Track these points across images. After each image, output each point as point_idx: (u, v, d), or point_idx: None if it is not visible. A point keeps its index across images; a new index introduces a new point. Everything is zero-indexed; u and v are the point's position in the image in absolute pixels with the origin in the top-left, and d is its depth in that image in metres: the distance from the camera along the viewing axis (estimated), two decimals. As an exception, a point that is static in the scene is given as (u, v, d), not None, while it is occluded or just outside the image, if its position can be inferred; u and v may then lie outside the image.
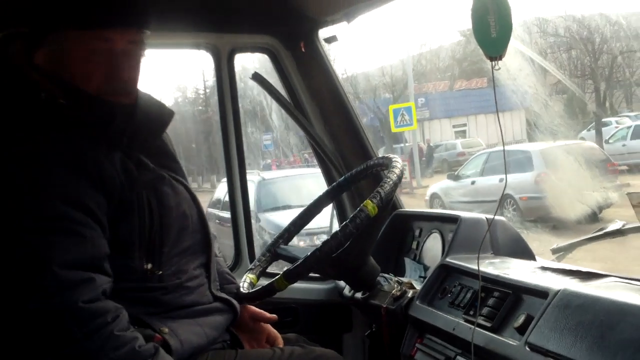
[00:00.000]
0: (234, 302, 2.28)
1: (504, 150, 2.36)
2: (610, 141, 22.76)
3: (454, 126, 41.48)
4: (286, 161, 28.79)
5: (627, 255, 2.24)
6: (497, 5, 1.89)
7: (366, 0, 2.65)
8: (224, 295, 2.27)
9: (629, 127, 23.15)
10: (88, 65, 1.92)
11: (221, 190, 12.79)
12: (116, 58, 1.95)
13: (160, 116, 2.18)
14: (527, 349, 1.75)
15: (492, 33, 1.88)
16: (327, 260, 2.27)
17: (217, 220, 10.95)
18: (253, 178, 11.78)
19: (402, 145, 30.98)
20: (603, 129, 25.44)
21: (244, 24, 3.00)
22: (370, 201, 2.20)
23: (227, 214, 10.33)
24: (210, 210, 12.12)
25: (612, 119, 29.34)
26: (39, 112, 1.92)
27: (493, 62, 1.91)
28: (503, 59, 1.93)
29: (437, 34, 75.13)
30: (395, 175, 2.31)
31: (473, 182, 15.90)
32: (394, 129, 23.80)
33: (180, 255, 2.11)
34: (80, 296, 1.77)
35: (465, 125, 40.74)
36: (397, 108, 23.55)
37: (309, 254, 2.24)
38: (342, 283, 2.96)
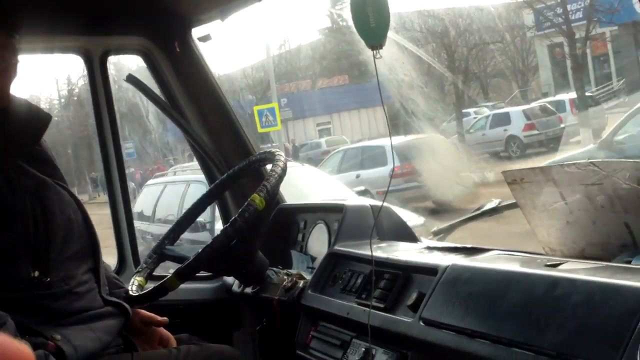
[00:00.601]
0: (126, 305, 2.26)
1: (391, 143, 2.43)
2: (471, 131, 23.84)
3: (317, 124, 42.09)
4: (149, 169, 28.22)
5: (504, 230, 2.38)
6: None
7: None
8: (114, 299, 2.25)
9: (487, 117, 24.32)
10: None
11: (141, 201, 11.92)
12: None
13: (36, 121, 2.15)
14: (422, 324, 1.83)
15: (371, 23, 1.95)
16: (217, 256, 2.28)
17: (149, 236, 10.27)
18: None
19: (268, 145, 31.16)
20: (464, 119, 26.55)
21: (115, 25, 2.93)
22: (257, 195, 2.23)
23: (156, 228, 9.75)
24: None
25: (471, 110, 30.69)
26: None
27: (374, 51, 1.97)
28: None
29: (296, 33, 75.87)
30: (279, 168, 2.35)
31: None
32: (260, 130, 23.88)
33: (67, 261, 2.09)
34: None
35: (329, 123, 41.44)
36: (261, 109, 23.65)
37: (200, 250, 2.24)
38: (229, 280, 2.97)
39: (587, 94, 22.16)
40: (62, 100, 40.51)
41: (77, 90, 40.47)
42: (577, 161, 1.97)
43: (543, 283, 1.57)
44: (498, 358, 1.56)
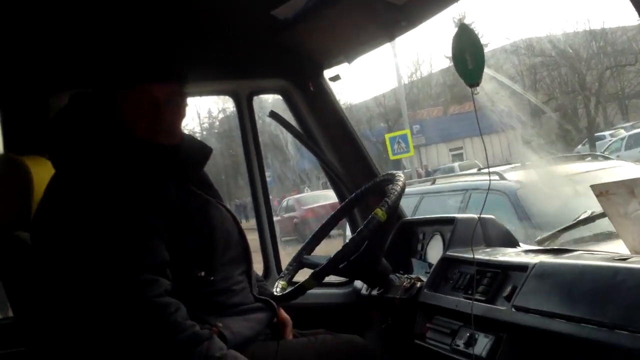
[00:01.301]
0: (273, 302, 2.72)
1: (488, 171, 2.81)
2: (606, 154, 23.16)
3: (450, 150, 42.05)
4: (286, 196, 29.22)
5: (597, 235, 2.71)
6: (471, 44, 2.39)
7: (364, 45, 3.14)
8: (263, 297, 2.72)
9: (622, 139, 23.51)
10: (134, 114, 2.40)
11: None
12: (157, 108, 2.41)
13: (201, 152, 2.66)
14: (514, 310, 2.21)
15: (469, 65, 2.37)
16: (347, 260, 2.74)
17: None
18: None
19: (400, 171, 31.41)
20: (598, 142, 25.79)
21: (259, 70, 3.46)
22: (379, 209, 2.67)
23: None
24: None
25: (606, 133, 29.71)
26: (109, 158, 2.40)
27: (472, 89, 2.40)
28: (481, 85, 2.42)
29: (427, 61, 76.04)
30: (399, 186, 2.78)
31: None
32: (391, 157, 24.27)
33: (226, 264, 2.56)
34: (150, 292, 2.25)
35: (461, 148, 41.33)
36: (393, 136, 24.00)
37: (332, 256, 2.71)
38: (358, 286, 3.42)
39: None
40: (204, 132, 42.70)
41: (217, 123, 42.55)
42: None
43: (608, 272, 1.93)
44: (572, 332, 1.93)
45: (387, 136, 24.69)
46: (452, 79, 40.71)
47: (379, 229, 2.69)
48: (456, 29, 2.39)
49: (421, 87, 45.24)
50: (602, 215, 2.73)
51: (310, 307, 3.33)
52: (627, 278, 1.84)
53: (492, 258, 2.57)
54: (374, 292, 3.17)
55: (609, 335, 1.78)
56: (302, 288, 2.77)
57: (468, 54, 2.37)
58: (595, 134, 30.04)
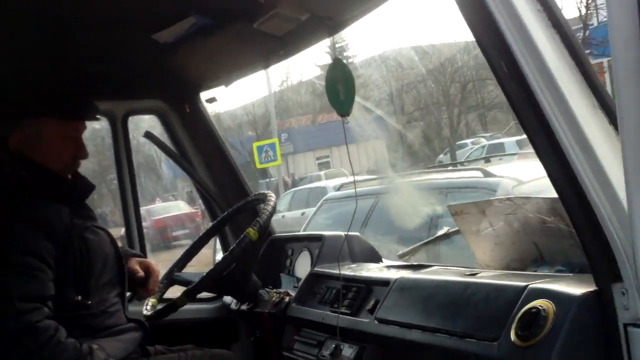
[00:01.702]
0: (144, 322, 2.77)
1: (354, 181, 2.98)
2: (466, 163, 24.21)
3: (317, 158, 42.65)
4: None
5: (452, 251, 2.92)
6: (343, 77, 2.55)
7: (242, 70, 3.24)
8: (135, 316, 2.75)
9: (483, 147, 24.66)
10: (60, 147, 2.51)
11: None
12: (80, 142, 2.56)
13: (87, 185, 2.74)
14: (376, 322, 2.38)
15: (341, 96, 2.53)
16: (218, 278, 2.83)
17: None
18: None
19: (267, 180, 31.67)
20: (460, 150, 26.85)
21: (135, 91, 3.48)
22: (252, 229, 2.79)
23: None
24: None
25: (468, 141, 31.03)
26: (3, 182, 2.44)
27: (343, 118, 2.56)
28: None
29: (297, 70, 76.80)
30: (270, 206, 2.91)
31: (283, 216, 17.85)
32: (258, 166, 24.38)
33: (102, 287, 2.59)
34: (33, 318, 2.26)
35: (328, 156, 42.01)
36: (261, 145, 24.10)
37: (204, 274, 2.80)
38: (228, 300, 3.51)
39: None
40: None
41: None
42: (499, 197, 2.53)
43: (459, 287, 2.13)
44: (427, 341, 2.11)
45: (255, 145, 24.75)
46: (321, 88, 41.32)
47: (250, 248, 2.80)
48: (330, 62, 2.54)
49: (291, 95, 45.65)
50: (457, 231, 2.95)
51: (178, 322, 3.37)
52: (476, 292, 2.04)
53: (356, 274, 2.73)
54: (244, 307, 3.26)
55: (460, 343, 1.97)
56: (174, 305, 2.85)
57: (340, 85, 2.53)
58: (458, 142, 31.36)
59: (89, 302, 2.52)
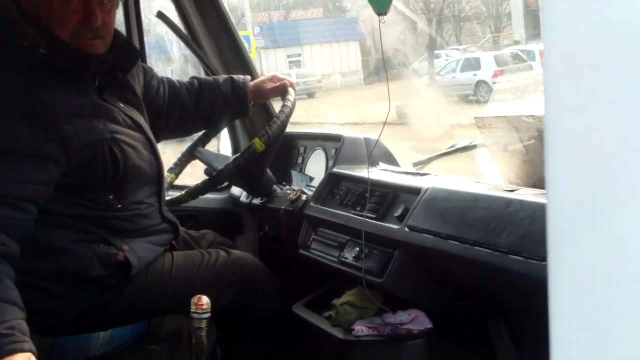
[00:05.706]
0: (177, 223, 2.72)
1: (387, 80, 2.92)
2: (442, 73, 24.15)
3: (288, 56, 42.00)
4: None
5: (473, 165, 2.88)
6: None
7: None
8: (170, 216, 2.69)
9: (458, 60, 24.56)
10: (64, 10, 2.25)
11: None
12: (91, 4, 2.28)
13: (128, 54, 2.55)
14: (407, 229, 2.37)
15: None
16: (223, 181, 2.92)
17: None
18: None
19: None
20: (435, 60, 26.70)
21: None
22: (258, 139, 2.72)
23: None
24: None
25: (442, 52, 30.80)
26: (21, 57, 2.25)
27: (380, 17, 2.46)
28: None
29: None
30: (284, 115, 2.81)
31: None
32: (234, 58, 23.96)
33: (136, 188, 2.50)
34: None
35: (299, 55, 41.39)
36: (237, 36, 23.59)
37: (206, 179, 2.82)
38: (236, 192, 3.49)
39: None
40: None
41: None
42: (535, 114, 2.50)
43: (501, 202, 2.12)
44: (465, 254, 2.11)
45: (232, 36, 24.22)
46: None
47: (255, 159, 2.76)
48: None
49: (265, -13, 44.47)
50: (480, 145, 2.92)
51: (187, 210, 3.36)
52: (519, 209, 2.04)
53: (382, 178, 2.70)
54: (255, 201, 3.24)
55: (503, 259, 1.97)
56: (177, 201, 2.88)
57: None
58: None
59: (120, 205, 2.44)
